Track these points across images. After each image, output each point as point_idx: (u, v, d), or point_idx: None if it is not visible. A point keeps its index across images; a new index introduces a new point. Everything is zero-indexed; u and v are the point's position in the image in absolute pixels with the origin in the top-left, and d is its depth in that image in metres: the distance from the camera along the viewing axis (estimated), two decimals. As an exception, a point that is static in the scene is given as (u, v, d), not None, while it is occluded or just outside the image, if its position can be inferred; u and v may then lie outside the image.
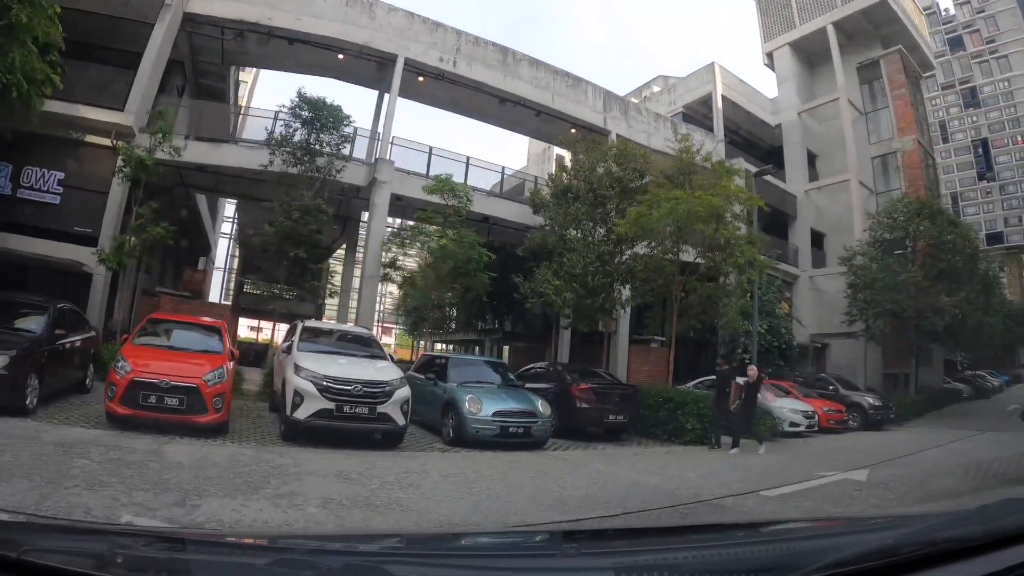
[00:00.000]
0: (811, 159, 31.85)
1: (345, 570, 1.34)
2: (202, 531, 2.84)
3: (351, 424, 9.17)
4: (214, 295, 32.88)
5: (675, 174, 16.57)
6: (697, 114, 31.68)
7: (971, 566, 1.34)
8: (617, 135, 22.44)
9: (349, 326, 15.88)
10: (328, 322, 19.07)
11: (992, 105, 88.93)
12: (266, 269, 24.17)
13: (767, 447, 12.70)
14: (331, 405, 8.97)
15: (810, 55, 33.33)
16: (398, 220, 22.34)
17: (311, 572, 1.30)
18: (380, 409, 9.31)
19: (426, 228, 18.18)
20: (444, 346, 37.64)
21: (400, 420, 9.58)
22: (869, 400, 20.18)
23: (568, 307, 16.69)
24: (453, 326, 32.19)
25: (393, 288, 28.88)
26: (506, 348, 31.66)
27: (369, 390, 9.28)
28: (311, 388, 8.99)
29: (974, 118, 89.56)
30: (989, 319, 26.31)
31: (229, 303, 29.01)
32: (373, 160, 19.25)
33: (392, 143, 19.84)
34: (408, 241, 19.04)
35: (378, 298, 30.72)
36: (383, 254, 19.28)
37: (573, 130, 22.19)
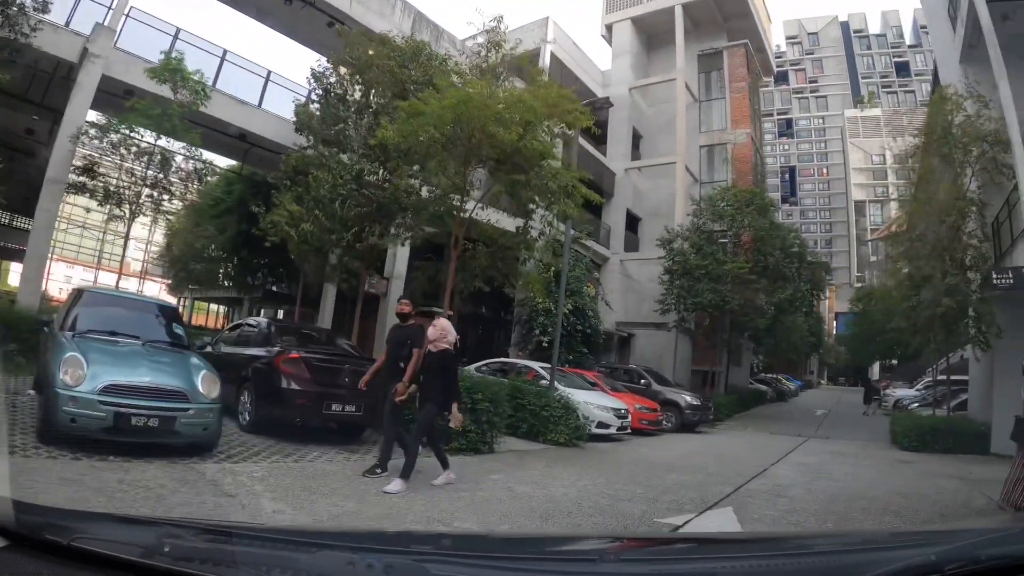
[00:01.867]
0: (635, 140, 29.76)
1: (387, 568, 1.32)
2: (247, 524, 2.52)
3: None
4: None
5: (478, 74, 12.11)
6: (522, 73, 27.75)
7: None
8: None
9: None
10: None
11: (804, 138, 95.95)
12: None
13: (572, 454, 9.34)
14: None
15: (651, 35, 31.36)
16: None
17: (353, 568, 1.32)
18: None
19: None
20: (217, 306, 30.91)
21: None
22: (686, 398, 17.23)
23: (309, 245, 11.66)
24: (228, 283, 25.97)
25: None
26: (280, 312, 25.99)
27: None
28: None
29: (786, 146, 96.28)
30: (806, 322, 24.72)
31: None
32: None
33: (127, 15, 14.43)
34: (116, 133, 12.93)
35: (133, 241, 23.69)
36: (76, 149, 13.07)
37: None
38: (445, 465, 6.58)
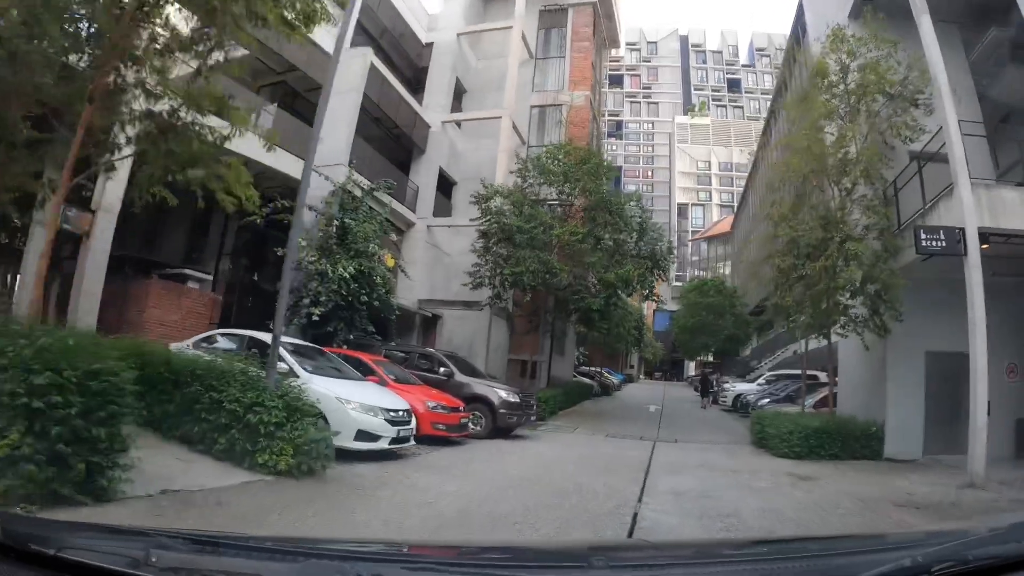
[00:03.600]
0: (459, 96, 24.78)
1: None
2: (233, 533, 1.80)
3: None
4: None
5: None
6: (336, -1, 21.60)
7: None
8: None
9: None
10: None
11: (633, 140, 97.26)
12: None
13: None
14: None
15: (491, -19, 26.35)
16: None
17: None
18: None
19: None
20: None
21: None
22: (501, 393, 12.52)
23: None
24: None
25: None
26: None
27: None
28: None
29: (614, 147, 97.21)
30: (639, 309, 20.71)
31: None
32: None
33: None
34: None
35: None
36: None
37: None
38: None
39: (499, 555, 1.94)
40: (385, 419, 8.55)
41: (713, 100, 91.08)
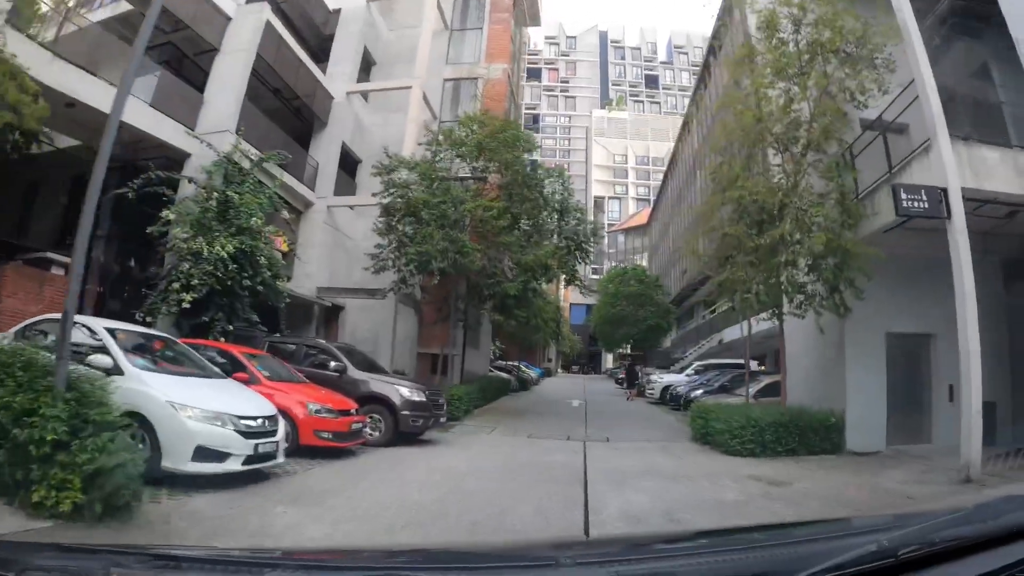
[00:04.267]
0: (367, 68, 22.22)
1: None
2: (196, 547, 2.09)
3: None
4: None
5: None
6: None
7: (970, 565, 1.28)
8: None
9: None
10: None
11: (549, 134, 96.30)
12: None
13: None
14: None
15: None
16: None
17: None
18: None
19: None
20: None
21: None
22: (403, 392, 10.35)
23: None
24: None
25: None
26: None
27: None
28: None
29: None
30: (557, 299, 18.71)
31: None
32: None
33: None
34: None
35: None
36: None
37: None
38: None
39: (467, 556, 1.93)
40: (237, 430, 6.27)
41: (631, 96, 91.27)
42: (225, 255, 10.82)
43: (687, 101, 54.66)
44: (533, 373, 35.35)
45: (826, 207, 9.39)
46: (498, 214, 14.56)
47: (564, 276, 17.08)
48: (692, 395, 16.79)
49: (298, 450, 7.93)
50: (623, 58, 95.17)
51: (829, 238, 8.86)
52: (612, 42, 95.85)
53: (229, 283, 11.00)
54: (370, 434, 9.91)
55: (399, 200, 14.38)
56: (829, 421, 10.13)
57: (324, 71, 19.29)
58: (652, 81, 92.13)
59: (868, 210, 9.38)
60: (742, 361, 23.06)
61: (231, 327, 11.30)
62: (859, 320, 10.13)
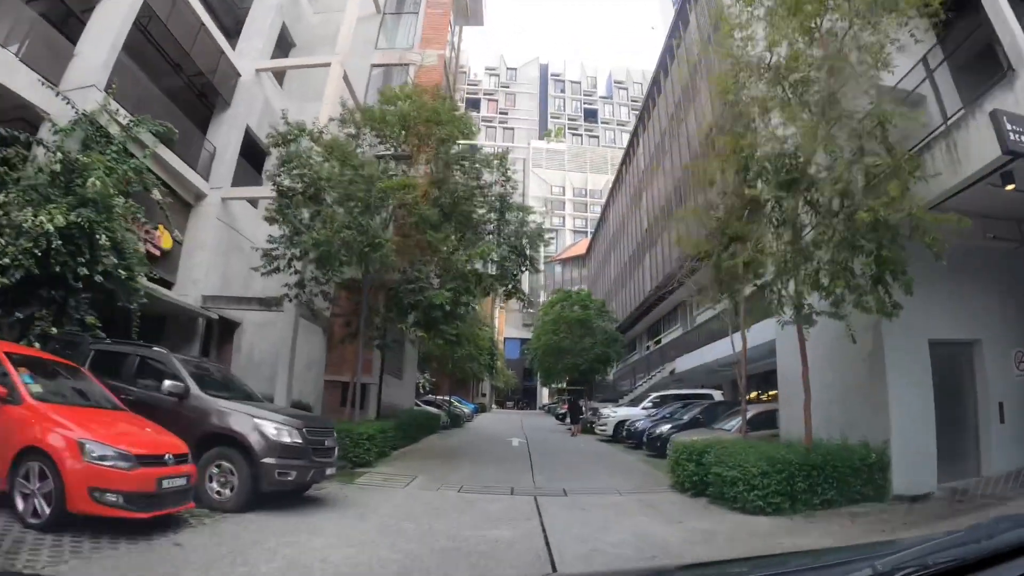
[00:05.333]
0: (287, 49, 19.10)
1: None
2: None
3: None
4: None
5: None
6: None
7: None
8: None
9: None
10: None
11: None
12: None
13: None
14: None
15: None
16: None
17: None
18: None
19: None
20: None
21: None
22: (270, 429, 6.97)
23: None
24: None
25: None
26: None
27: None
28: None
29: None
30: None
31: None
32: None
33: None
34: None
35: None
36: None
37: None
38: None
39: None
40: None
41: (570, 129, 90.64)
42: (51, 228, 7.43)
43: (626, 136, 53.77)
44: (467, 408, 31.95)
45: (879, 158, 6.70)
46: (421, 200, 11.49)
47: (503, 289, 14.02)
48: (657, 431, 13.87)
49: (65, 520, 4.59)
50: (563, 91, 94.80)
51: (894, 197, 6.16)
52: (552, 75, 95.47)
53: (58, 269, 7.69)
54: (217, 494, 6.54)
55: (298, 179, 11.11)
56: (870, 458, 7.50)
57: (235, 48, 16.05)
58: (591, 115, 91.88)
59: (929, 168, 6.82)
60: (707, 391, 20.90)
61: (53, 329, 7.79)
62: (900, 325, 7.55)
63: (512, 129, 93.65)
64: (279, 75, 18.55)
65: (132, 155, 9.93)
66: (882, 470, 7.54)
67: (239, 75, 16.07)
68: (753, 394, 21.20)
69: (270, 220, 11.55)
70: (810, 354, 8.76)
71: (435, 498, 8.02)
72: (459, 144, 13.94)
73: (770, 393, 16.82)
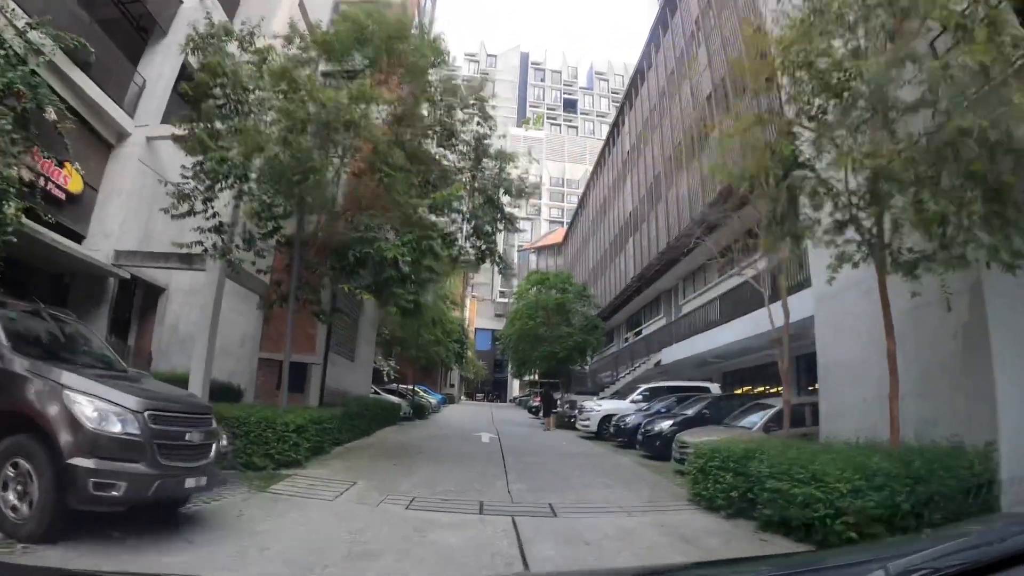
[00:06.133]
0: None
1: None
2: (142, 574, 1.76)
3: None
4: None
5: None
6: None
7: None
8: None
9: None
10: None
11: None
12: None
13: None
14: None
15: None
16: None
17: None
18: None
19: None
20: None
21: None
22: (85, 410, 4.26)
23: None
24: None
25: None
26: None
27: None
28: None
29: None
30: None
31: None
32: None
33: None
34: None
35: None
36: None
37: None
38: None
39: None
40: None
41: (548, 118, 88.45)
42: None
43: (605, 128, 51.73)
44: (432, 399, 29.39)
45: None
46: (386, 131, 8.98)
47: (475, 250, 11.59)
48: (656, 428, 11.57)
49: None
50: (543, 80, 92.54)
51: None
52: (533, 63, 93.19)
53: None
54: (12, 509, 4.13)
55: (217, 88, 8.52)
56: (973, 465, 5.44)
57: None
58: (571, 105, 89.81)
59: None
60: (702, 383, 18.76)
61: None
62: (1011, 286, 5.39)
63: (491, 117, 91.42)
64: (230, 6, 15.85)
65: (24, 63, 7.34)
66: (989, 482, 5.38)
67: (181, 2, 13.48)
68: (742, 389, 19.26)
69: (175, 139, 8.95)
70: (872, 329, 6.57)
71: (371, 519, 5.57)
72: (431, 73, 11.48)
73: (776, 388, 14.69)
